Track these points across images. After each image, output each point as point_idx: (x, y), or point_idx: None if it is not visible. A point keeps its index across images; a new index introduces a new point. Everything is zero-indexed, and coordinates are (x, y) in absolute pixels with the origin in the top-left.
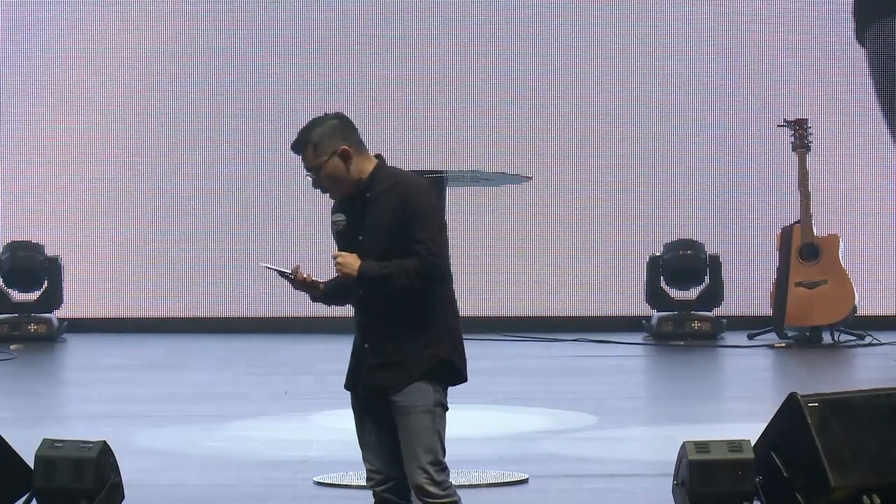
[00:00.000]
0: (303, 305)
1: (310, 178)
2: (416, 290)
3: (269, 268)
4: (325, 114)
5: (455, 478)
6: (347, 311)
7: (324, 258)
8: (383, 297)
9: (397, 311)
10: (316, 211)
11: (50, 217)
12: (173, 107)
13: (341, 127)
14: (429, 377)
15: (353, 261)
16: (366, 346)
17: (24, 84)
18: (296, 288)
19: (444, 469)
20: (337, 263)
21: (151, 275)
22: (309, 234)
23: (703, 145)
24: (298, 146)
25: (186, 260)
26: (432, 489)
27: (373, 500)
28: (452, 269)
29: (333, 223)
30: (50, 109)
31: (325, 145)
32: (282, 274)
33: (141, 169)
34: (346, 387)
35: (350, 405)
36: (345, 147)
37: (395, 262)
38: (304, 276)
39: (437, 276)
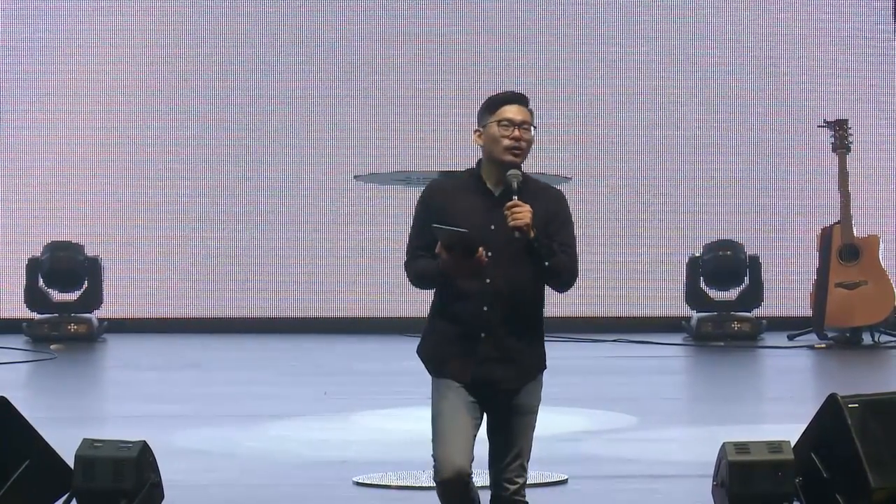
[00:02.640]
0: (341, 306)
1: (515, 132)
2: (557, 283)
3: (441, 228)
4: None
5: None
6: (385, 311)
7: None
8: (517, 292)
9: (525, 309)
10: (359, 210)
11: (90, 217)
12: (214, 108)
13: None
14: (539, 377)
15: (531, 211)
16: (482, 335)
17: (64, 85)
18: (456, 250)
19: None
20: (516, 209)
21: (191, 275)
22: (352, 233)
23: (742, 146)
24: (527, 99)
25: (226, 261)
26: (523, 490)
27: (440, 490)
28: None
29: (510, 175)
30: (90, 110)
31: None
32: (453, 233)
33: (181, 170)
34: (448, 375)
35: (437, 398)
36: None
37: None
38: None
39: (572, 282)
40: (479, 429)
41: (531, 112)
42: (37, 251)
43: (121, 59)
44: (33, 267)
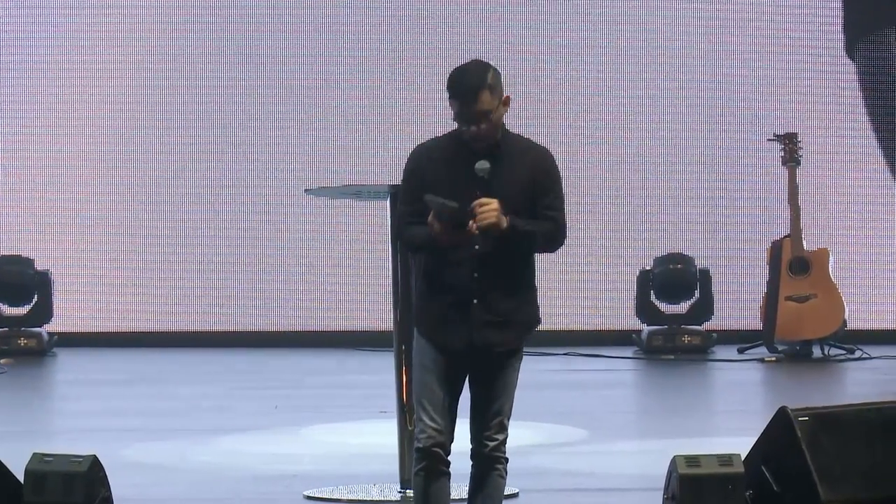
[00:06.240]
0: (293, 320)
1: (471, 129)
2: (544, 250)
3: (433, 199)
4: (477, 60)
5: None
6: (336, 324)
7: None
8: (506, 255)
9: (514, 271)
10: (310, 223)
11: (40, 231)
12: (164, 120)
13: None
14: (527, 338)
15: (498, 208)
16: (474, 301)
17: (12, 97)
18: (447, 221)
19: None
20: (485, 210)
21: (142, 289)
22: (303, 246)
23: (693, 159)
24: (477, 87)
25: (177, 274)
26: (503, 447)
27: (419, 456)
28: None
29: (478, 170)
30: (38, 123)
31: (499, 89)
32: (444, 206)
33: (131, 183)
34: (441, 344)
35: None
36: (508, 95)
37: (534, 220)
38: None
39: (560, 242)
40: (458, 400)
41: (489, 88)
42: None
43: (68, 74)
44: None
